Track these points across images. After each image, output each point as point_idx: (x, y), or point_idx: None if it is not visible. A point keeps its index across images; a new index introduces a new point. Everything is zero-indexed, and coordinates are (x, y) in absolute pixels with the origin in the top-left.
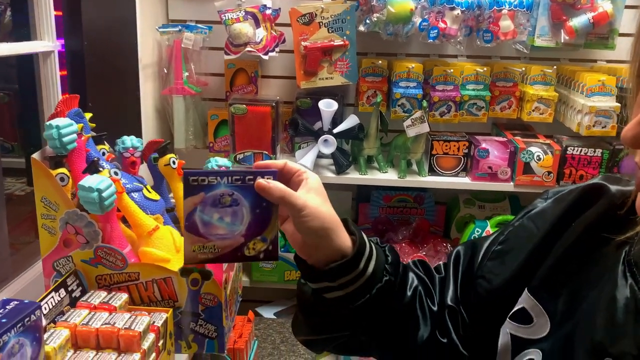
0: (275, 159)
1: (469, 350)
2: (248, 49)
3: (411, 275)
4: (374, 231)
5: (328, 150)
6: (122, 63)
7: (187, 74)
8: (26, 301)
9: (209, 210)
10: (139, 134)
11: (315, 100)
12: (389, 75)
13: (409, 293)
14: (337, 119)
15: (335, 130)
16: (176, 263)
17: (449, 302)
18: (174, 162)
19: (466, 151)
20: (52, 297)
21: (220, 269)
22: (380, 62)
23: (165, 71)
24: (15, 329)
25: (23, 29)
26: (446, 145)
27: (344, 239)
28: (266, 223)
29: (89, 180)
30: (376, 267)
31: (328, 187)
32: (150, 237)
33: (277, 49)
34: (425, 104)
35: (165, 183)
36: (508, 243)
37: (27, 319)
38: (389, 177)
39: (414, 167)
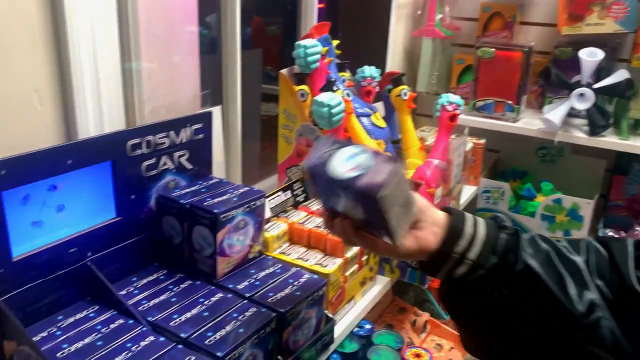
0: (518, 110)
1: None
2: None
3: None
4: (627, 210)
5: (582, 105)
6: (376, 2)
7: (440, 16)
8: (254, 188)
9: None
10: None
11: (576, 51)
12: None
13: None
14: (598, 72)
15: (595, 85)
16: None
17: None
18: (405, 94)
19: None
20: (279, 195)
21: (431, 202)
22: None
23: (419, 12)
24: (242, 207)
25: None
26: None
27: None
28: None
29: (322, 96)
30: (489, 230)
31: (578, 150)
32: None
33: None
34: None
35: (396, 116)
36: None
37: (253, 203)
38: None
39: None
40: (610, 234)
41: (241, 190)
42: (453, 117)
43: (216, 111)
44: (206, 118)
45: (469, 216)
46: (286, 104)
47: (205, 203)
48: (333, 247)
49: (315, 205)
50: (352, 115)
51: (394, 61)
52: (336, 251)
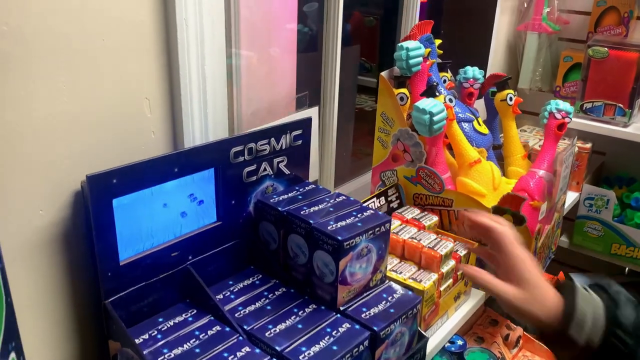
0: (630, 114)
1: None
2: None
3: None
4: None
5: None
6: None
7: (548, 9)
8: (379, 213)
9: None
10: (484, 67)
11: None
12: None
13: None
14: None
15: None
16: (491, 199)
17: None
18: (510, 99)
19: None
20: (374, 201)
21: (535, 218)
22: None
23: (525, 5)
24: (366, 234)
25: None
26: None
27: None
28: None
29: (423, 103)
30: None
31: None
32: (470, 169)
33: None
34: None
35: (498, 120)
36: None
37: (378, 229)
38: None
39: None
40: None
41: (361, 215)
42: (561, 126)
43: (314, 112)
44: (306, 124)
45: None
46: (384, 106)
47: (302, 212)
48: (428, 261)
49: (410, 214)
50: (454, 122)
51: (496, 57)
52: (431, 265)
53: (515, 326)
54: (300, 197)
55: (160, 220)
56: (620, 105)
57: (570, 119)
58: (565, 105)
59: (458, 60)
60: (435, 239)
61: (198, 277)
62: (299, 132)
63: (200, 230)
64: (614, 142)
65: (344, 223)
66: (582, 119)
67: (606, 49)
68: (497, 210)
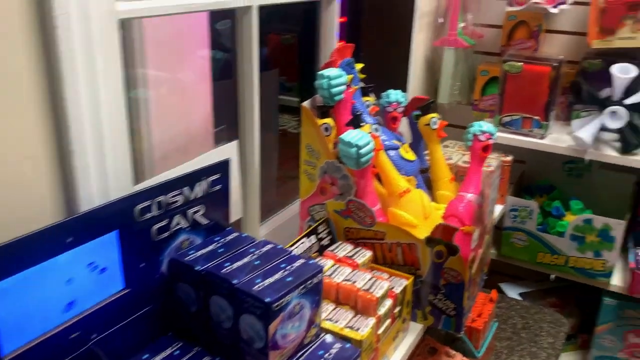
0: (547, 126)
1: None
2: (535, 0)
3: None
4: None
5: (615, 124)
6: (400, 11)
7: (463, 24)
8: (311, 261)
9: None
10: (405, 85)
11: (606, 63)
12: None
13: None
14: (630, 87)
15: (627, 101)
16: (423, 230)
17: None
18: (434, 123)
19: None
20: (304, 242)
21: (468, 246)
22: None
23: (441, 21)
24: (297, 290)
25: None
26: None
27: None
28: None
29: (349, 135)
30: None
31: (608, 166)
32: (400, 199)
33: (569, 1)
34: None
35: (423, 142)
36: None
37: (310, 281)
38: None
39: None
40: None
41: (290, 267)
42: (486, 148)
43: (233, 148)
44: (223, 167)
45: None
46: (308, 138)
47: (224, 270)
48: (364, 305)
49: (343, 251)
50: (381, 151)
51: (416, 74)
52: (368, 309)
53: (454, 352)
54: (221, 250)
55: (53, 299)
56: (536, 117)
57: (494, 139)
58: (488, 127)
59: (380, 79)
60: (371, 279)
61: (105, 359)
62: (216, 176)
63: (105, 303)
64: (533, 151)
65: (272, 279)
66: (501, 132)
67: (521, 63)
68: (430, 242)
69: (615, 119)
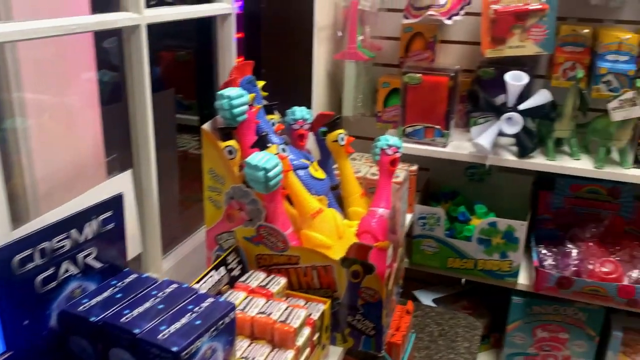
0: (448, 135)
1: None
2: (430, 12)
3: None
4: (554, 223)
5: (512, 130)
6: (298, 25)
7: (361, 37)
8: (220, 300)
9: None
10: (309, 100)
11: (499, 71)
12: (592, 46)
13: None
14: (523, 92)
15: (521, 107)
16: (337, 250)
17: None
18: (342, 139)
19: None
20: (212, 275)
21: (383, 262)
22: (584, 30)
23: (340, 34)
24: (208, 333)
25: None
26: None
27: None
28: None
29: (256, 158)
30: None
31: (507, 169)
32: (313, 220)
33: (462, 11)
34: (639, 83)
35: (332, 159)
36: None
37: (221, 322)
38: (581, 165)
39: (614, 154)
40: (544, 251)
41: (199, 308)
42: (394, 161)
43: (126, 177)
44: (116, 204)
45: None
46: (211, 163)
47: (123, 318)
48: (282, 337)
49: (255, 280)
50: (290, 172)
51: (319, 88)
52: (286, 342)
53: None
54: (119, 295)
55: None
56: (438, 127)
57: (401, 152)
58: (394, 140)
59: (283, 96)
60: (287, 308)
61: None
62: (108, 214)
63: None
64: (436, 159)
65: (178, 325)
66: (406, 142)
67: (419, 75)
68: (346, 262)
69: (511, 124)
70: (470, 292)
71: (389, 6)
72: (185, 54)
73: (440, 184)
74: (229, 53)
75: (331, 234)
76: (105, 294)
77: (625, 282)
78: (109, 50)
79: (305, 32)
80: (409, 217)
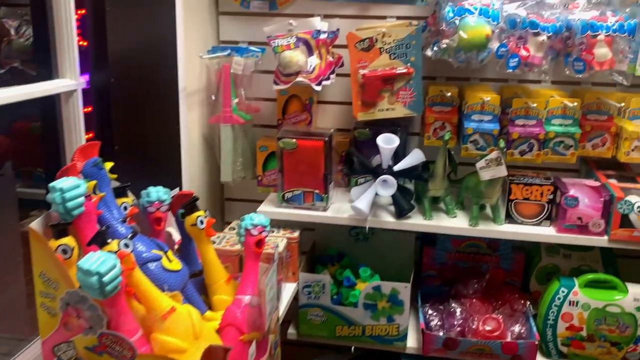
0: (327, 198)
1: None
2: (299, 78)
3: None
4: (440, 279)
5: (387, 192)
6: (160, 93)
7: (236, 100)
8: None
9: None
10: (178, 174)
11: (374, 131)
12: (459, 105)
13: None
14: (399, 150)
15: (395, 168)
16: (193, 354)
17: None
18: (201, 222)
19: (551, 197)
20: None
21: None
22: (449, 93)
23: (213, 98)
24: None
25: (44, 59)
26: (527, 190)
27: None
28: None
29: (89, 261)
30: None
31: (388, 231)
32: (164, 321)
33: (332, 75)
34: (502, 143)
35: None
36: None
37: None
38: (457, 223)
39: (488, 210)
40: (430, 312)
41: None
42: (259, 242)
43: None
44: None
45: None
46: (42, 266)
47: None
48: None
49: None
50: (135, 270)
51: (192, 156)
52: None
53: None
54: None
55: None
56: (316, 191)
57: (267, 231)
58: (259, 219)
59: (143, 172)
60: None
61: None
62: None
63: None
64: (320, 223)
65: None
66: (286, 208)
67: (294, 140)
68: None
69: (386, 187)
70: (361, 357)
71: (263, 68)
72: (37, 126)
73: (326, 246)
74: (76, 131)
75: (186, 334)
76: None
77: (508, 338)
78: None
79: (171, 99)
80: (293, 287)
